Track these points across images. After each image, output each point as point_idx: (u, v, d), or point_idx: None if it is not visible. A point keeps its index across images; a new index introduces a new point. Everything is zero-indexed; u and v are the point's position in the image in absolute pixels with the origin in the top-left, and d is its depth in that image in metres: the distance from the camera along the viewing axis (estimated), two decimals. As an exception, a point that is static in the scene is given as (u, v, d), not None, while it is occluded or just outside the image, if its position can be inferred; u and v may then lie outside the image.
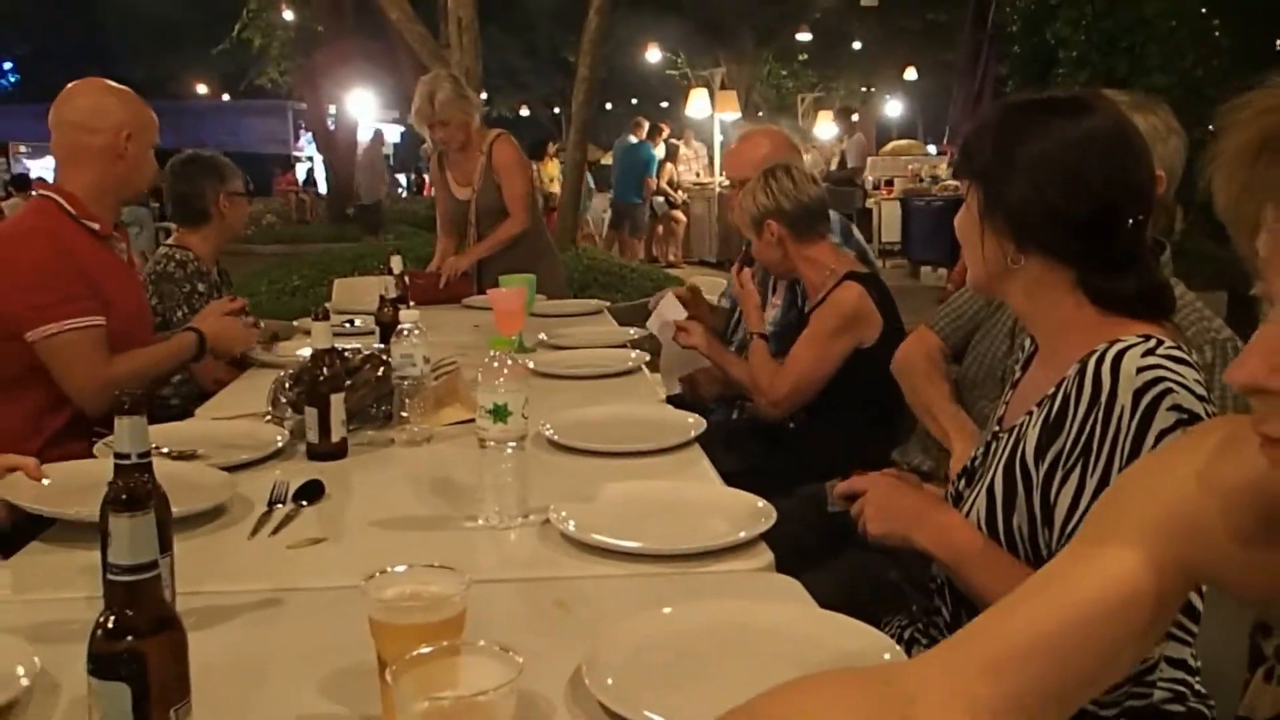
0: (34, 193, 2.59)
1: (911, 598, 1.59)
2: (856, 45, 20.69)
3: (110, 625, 0.86)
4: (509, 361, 1.54)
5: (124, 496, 0.86)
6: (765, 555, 1.47)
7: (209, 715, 0.96)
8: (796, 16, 18.37)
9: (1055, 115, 1.32)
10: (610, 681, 1.06)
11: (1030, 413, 1.34)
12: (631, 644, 1.16)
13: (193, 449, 1.93)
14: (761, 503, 1.59)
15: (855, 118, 15.02)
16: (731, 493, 1.70)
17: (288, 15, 16.86)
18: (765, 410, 2.67)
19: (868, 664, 1.11)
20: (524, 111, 25.20)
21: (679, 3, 16.98)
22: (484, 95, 4.32)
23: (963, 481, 1.47)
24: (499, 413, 1.53)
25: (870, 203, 11.72)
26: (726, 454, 2.36)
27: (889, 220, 11.33)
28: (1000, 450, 1.38)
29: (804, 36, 19.29)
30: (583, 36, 9.50)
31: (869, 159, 12.99)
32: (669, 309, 3.00)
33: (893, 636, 1.49)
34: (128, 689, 0.84)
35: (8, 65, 30.40)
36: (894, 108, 23.24)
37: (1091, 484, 1.21)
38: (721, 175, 11.57)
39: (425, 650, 0.89)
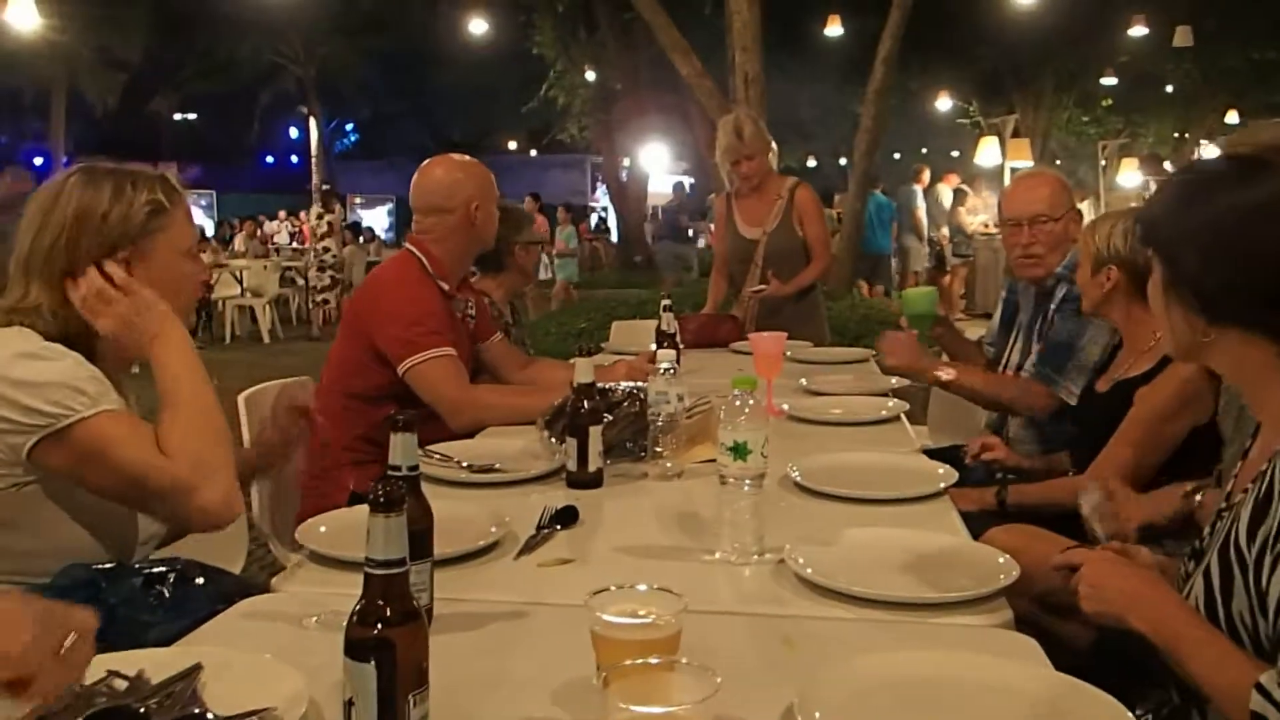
0: (404, 245, 2.87)
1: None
2: (1169, 88, 19.24)
3: (362, 613, 0.97)
4: (750, 401, 1.58)
5: (381, 500, 0.98)
6: (1004, 612, 1.42)
7: (446, 706, 1.06)
8: (1102, 60, 17.36)
9: (1226, 181, 1.22)
10: (819, 716, 1.07)
11: (1246, 489, 1.23)
12: (850, 685, 1.16)
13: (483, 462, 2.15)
14: (1004, 558, 1.53)
15: (1168, 165, 13.96)
16: (975, 545, 1.65)
17: (589, 75, 17.93)
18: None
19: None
20: (810, 163, 25.30)
21: (973, 52, 16.52)
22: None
23: (1192, 561, 1.36)
24: (739, 450, 1.57)
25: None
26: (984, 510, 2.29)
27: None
28: (1223, 528, 1.27)
29: (1109, 81, 18.15)
30: (868, 87, 9.49)
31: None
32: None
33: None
34: (374, 670, 0.95)
35: (349, 126, 33.90)
36: (1213, 155, 21.34)
37: None
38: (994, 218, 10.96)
39: (635, 663, 0.95)
